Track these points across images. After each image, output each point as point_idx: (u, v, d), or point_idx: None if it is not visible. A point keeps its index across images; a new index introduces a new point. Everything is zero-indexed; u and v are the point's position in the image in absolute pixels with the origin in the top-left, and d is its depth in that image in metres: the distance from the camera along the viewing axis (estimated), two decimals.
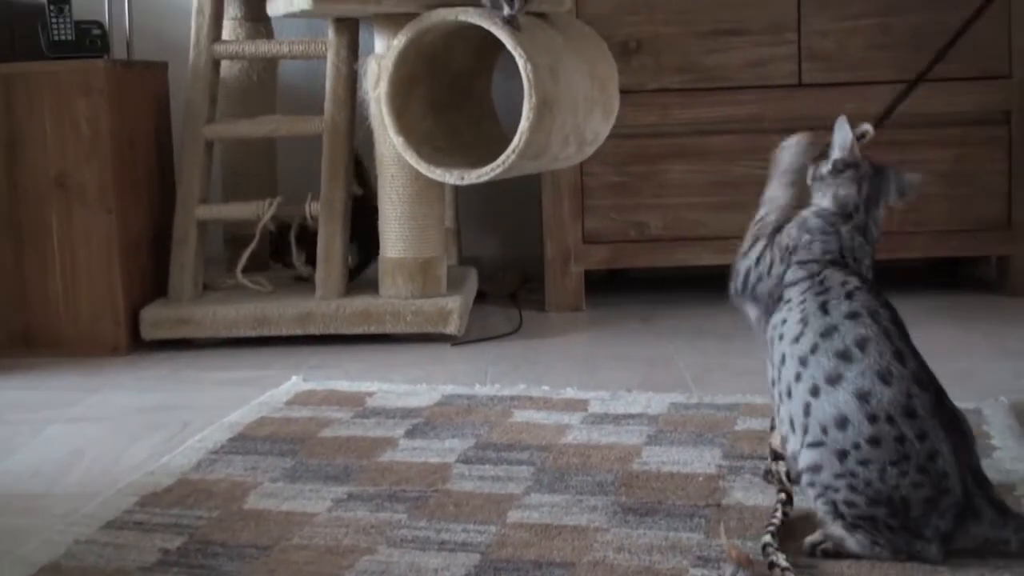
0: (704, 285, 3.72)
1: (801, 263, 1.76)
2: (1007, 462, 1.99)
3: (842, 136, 1.84)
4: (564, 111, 2.84)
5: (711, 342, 3.06)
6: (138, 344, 3.18)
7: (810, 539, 1.68)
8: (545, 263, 3.54)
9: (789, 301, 1.73)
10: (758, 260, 1.82)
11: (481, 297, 3.65)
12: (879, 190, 1.81)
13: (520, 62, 2.72)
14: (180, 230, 3.28)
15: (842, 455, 1.59)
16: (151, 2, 3.94)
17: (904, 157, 3.48)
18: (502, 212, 4.10)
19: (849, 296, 1.67)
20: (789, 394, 1.67)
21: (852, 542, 1.62)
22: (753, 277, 1.82)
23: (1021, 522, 1.58)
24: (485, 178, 2.85)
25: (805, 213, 1.82)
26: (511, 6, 2.70)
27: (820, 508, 1.64)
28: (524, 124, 2.75)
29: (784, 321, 1.72)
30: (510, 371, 2.83)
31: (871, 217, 1.80)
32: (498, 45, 2.79)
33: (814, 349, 1.65)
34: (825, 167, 1.83)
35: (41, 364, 3.07)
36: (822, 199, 1.82)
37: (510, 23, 2.72)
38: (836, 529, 1.64)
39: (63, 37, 3.21)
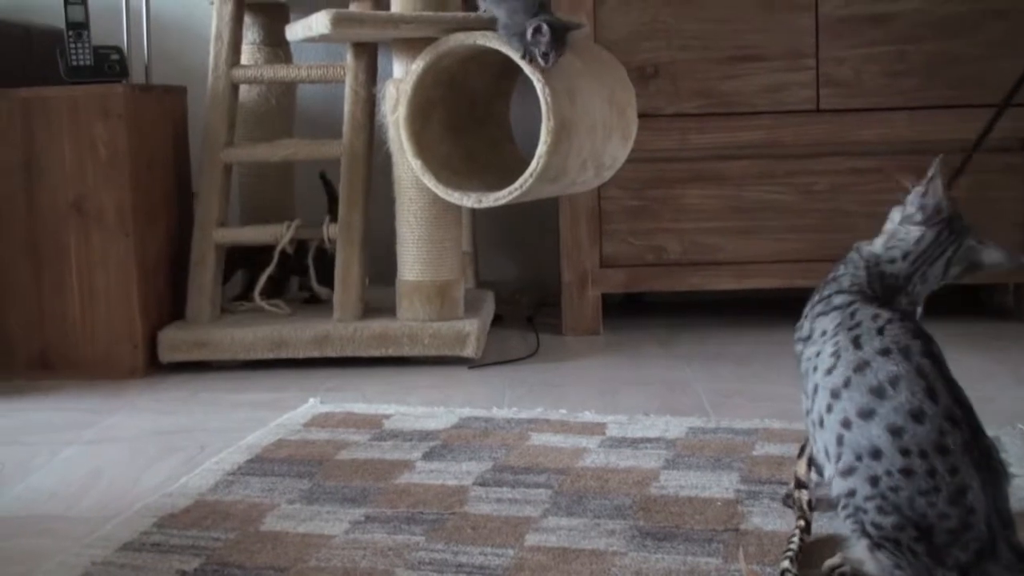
0: (722, 309, 3.73)
1: (826, 297, 1.76)
2: None
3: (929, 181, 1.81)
4: (582, 135, 2.85)
5: (729, 367, 3.06)
6: (156, 367, 3.19)
7: (829, 562, 1.68)
8: (562, 287, 3.54)
9: (824, 333, 1.72)
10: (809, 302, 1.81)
11: (498, 320, 3.65)
12: (942, 251, 1.77)
13: (538, 86, 2.73)
14: (198, 253, 3.29)
15: (874, 480, 1.58)
16: (170, 27, 3.96)
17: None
18: (519, 235, 4.10)
19: (880, 331, 1.66)
20: (821, 424, 1.67)
21: (872, 564, 1.62)
22: (803, 318, 1.80)
23: None
24: (502, 201, 2.85)
25: (852, 251, 1.80)
26: (546, 61, 2.70)
27: (849, 527, 1.64)
28: (542, 147, 2.75)
29: (818, 353, 1.70)
30: (527, 394, 2.83)
31: (918, 271, 1.77)
32: (515, 68, 2.80)
33: (847, 383, 1.63)
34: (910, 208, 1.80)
35: (58, 386, 3.08)
36: (882, 236, 1.79)
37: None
38: (857, 552, 1.63)
39: (82, 62, 3.22)
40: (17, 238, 3.14)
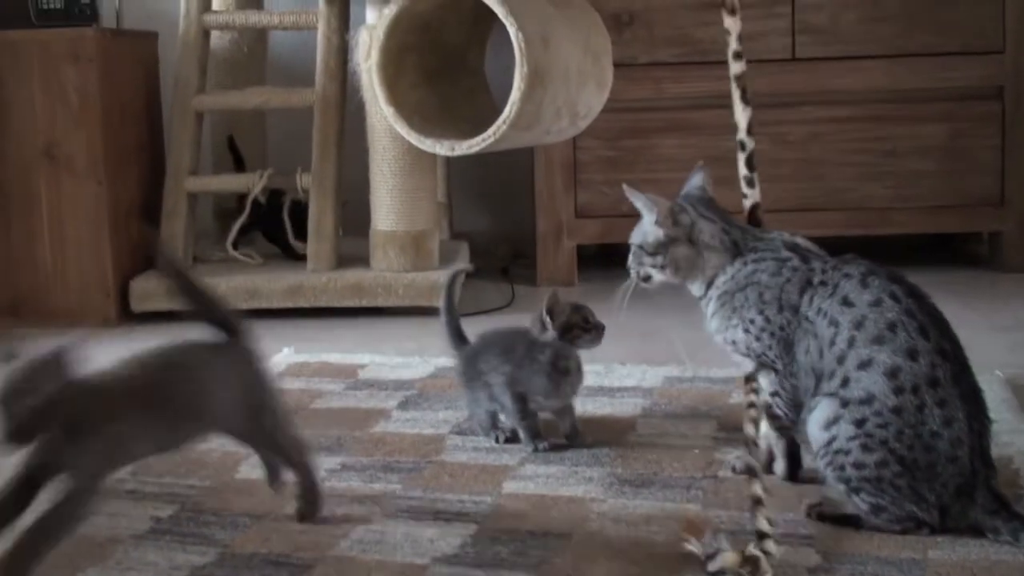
0: None
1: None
2: (1003, 435, 1.98)
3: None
4: (556, 82, 2.82)
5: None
6: (128, 316, 3.16)
7: (808, 501, 1.69)
8: (537, 238, 3.53)
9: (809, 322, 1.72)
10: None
11: (473, 271, 3.62)
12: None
13: (511, 31, 2.69)
14: (170, 202, 3.26)
15: (860, 422, 1.60)
16: None
17: (895, 132, 3.47)
18: (494, 186, 4.08)
19: (864, 284, 1.66)
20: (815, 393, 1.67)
21: (850, 504, 1.63)
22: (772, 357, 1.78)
23: (1012, 513, 1.59)
24: (476, 149, 2.82)
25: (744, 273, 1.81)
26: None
27: (828, 475, 1.65)
28: (515, 94, 2.72)
29: (815, 336, 1.69)
30: None
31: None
32: (491, 16, 2.77)
33: (851, 342, 1.63)
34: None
35: (29, 335, 3.03)
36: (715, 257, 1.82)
37: None
38: (837, 496, 1.65)
39: (51, 6, 3.17)
40: None
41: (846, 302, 1.66)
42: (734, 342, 1.80)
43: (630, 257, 1.91)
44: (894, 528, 1.61)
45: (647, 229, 1.88)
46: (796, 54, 3.46)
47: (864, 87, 3.44)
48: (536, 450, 2.01)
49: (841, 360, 1.64)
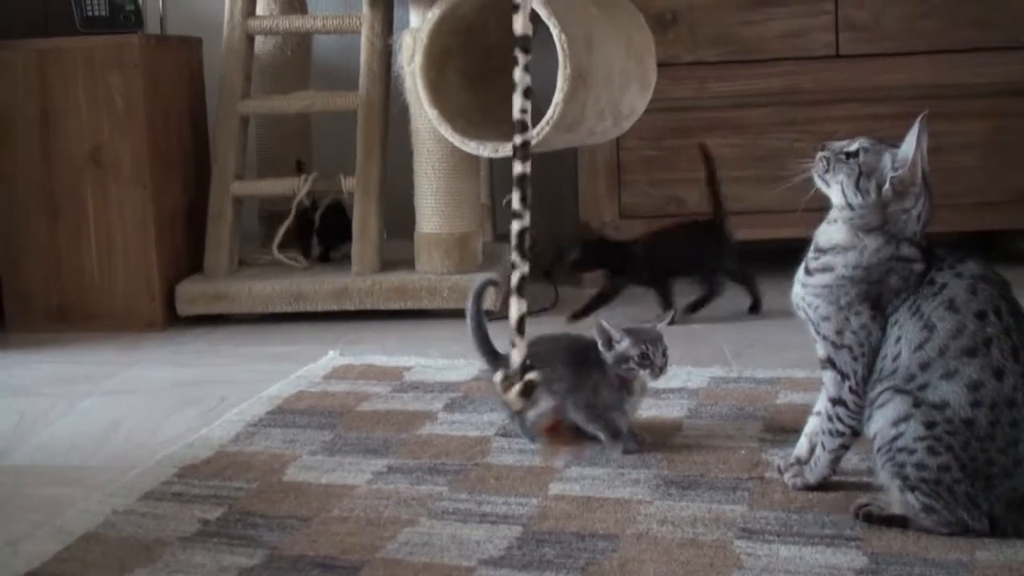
0: (741, 259, 3.67)
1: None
2: None
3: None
4: (599, 83, 2.82)
5: (749, 317, 3.04)
6: (174, 320, 3.18)
7: (858, 501, 1.69)
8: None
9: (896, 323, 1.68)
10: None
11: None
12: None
13: (554, 32, 2.70)
14: (215, 206, 3.28)
15: (930, 425, 1.59)
16: None
17: (938, 128, 3.45)
18: (537, 188, 4.06)
19: (973, 291, 1.63)
20: (893, 390, 1.65)
21: (899, 505, 1.62)
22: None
23: None
24: None
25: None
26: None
27: (884, 470, 1.63)
28: (558, 96, 2.73)
29: (899, 339, 1.67)
30: None
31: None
32: (534, 18, 2.77)
33: (942, 351, 1.61)
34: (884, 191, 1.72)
35: (76, 339, 3.07)
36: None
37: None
38: (888, 495, 1.64)
39: (96, 12, 3.20)
40: (34, 190, 3.13)
41: (952, 307, 1.62)
42: (826, 318, 1.71)
43: (828, 155, 1.73)
44: (942, 530, 1.60)
45: (883, 164, 1.70)
46: (840, 51, 3.44)
47: (908, 83, 3.41)
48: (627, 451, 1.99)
49: (925, 367, 1.61)
